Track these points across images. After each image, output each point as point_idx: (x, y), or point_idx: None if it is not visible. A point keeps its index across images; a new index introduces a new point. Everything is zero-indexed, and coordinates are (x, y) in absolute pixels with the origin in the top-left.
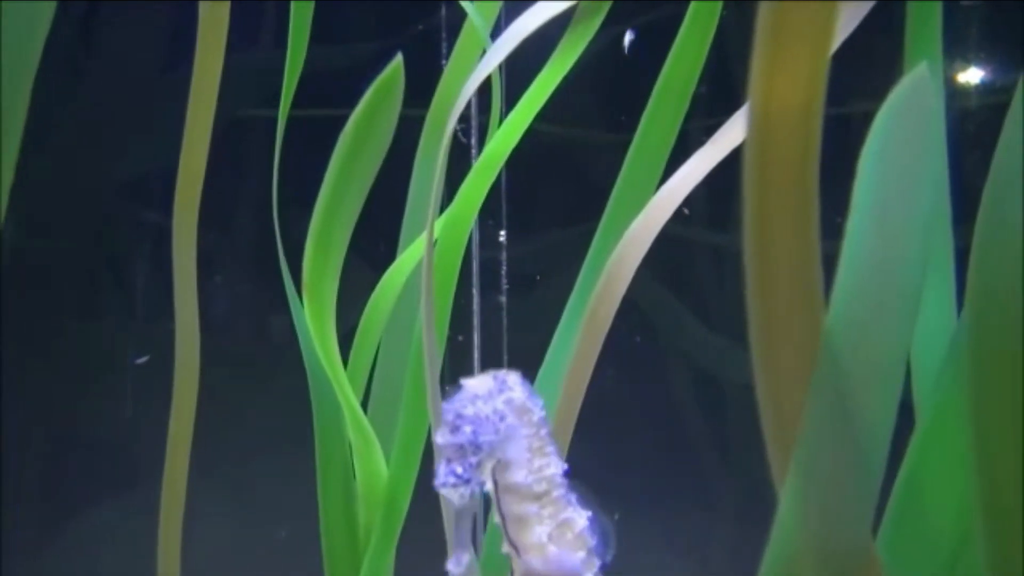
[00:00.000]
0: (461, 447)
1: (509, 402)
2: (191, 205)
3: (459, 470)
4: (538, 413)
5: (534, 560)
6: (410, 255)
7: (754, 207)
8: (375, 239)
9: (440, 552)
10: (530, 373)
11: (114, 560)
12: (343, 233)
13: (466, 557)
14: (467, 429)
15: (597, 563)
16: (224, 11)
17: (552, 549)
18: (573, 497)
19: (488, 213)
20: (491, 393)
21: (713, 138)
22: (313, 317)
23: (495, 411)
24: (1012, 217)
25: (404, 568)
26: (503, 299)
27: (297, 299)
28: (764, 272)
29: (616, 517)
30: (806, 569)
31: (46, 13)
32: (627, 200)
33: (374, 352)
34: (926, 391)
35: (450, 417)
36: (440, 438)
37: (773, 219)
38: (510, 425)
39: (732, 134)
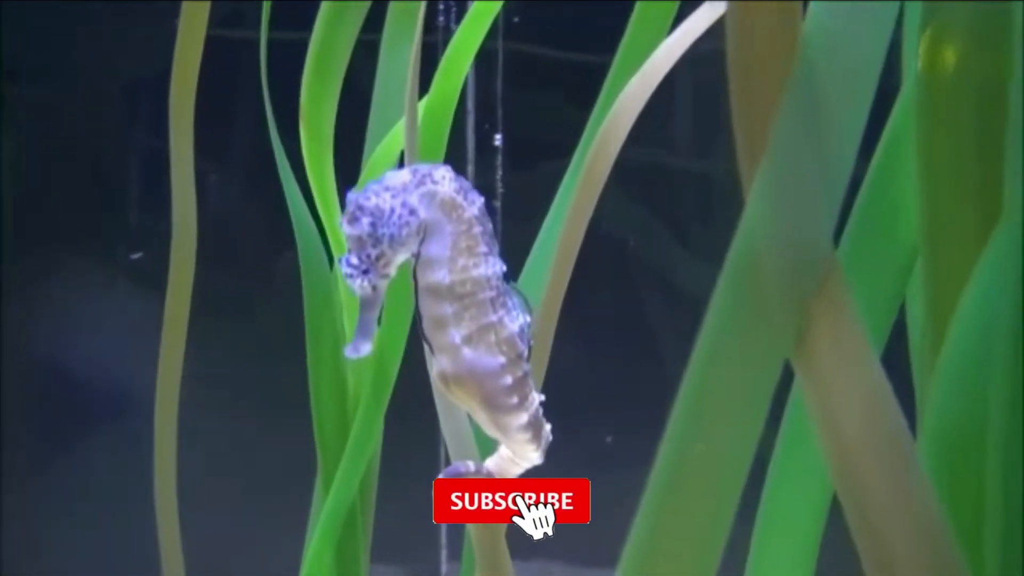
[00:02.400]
0: (360, 238)
1: (430, 196)
2: (187, 94)
3: (355, 261)
4: (470, 210)
5: (444, 360)
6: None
7: None
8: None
9: (433, 421)
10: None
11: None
12: (341, 55)
13: (365, 347)
14: (365, 221)
15: (525, 367)
16: None
17: (466, 351)
18: (511, 301)
19: (484, 115)
20: (406, 187)
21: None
22: (309, 146)
23: (404, 204)
24: None
25: (392, 436)
26: (498, 204)
27: (282, 151)
28: None
29: (608, 439)
30: (770, 260)
31: None
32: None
33: None
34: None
35: (351, 208)
36: (342, 227)
37: None
38: (428, 220)
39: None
